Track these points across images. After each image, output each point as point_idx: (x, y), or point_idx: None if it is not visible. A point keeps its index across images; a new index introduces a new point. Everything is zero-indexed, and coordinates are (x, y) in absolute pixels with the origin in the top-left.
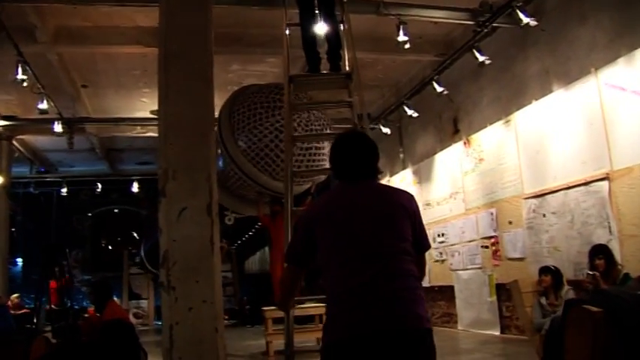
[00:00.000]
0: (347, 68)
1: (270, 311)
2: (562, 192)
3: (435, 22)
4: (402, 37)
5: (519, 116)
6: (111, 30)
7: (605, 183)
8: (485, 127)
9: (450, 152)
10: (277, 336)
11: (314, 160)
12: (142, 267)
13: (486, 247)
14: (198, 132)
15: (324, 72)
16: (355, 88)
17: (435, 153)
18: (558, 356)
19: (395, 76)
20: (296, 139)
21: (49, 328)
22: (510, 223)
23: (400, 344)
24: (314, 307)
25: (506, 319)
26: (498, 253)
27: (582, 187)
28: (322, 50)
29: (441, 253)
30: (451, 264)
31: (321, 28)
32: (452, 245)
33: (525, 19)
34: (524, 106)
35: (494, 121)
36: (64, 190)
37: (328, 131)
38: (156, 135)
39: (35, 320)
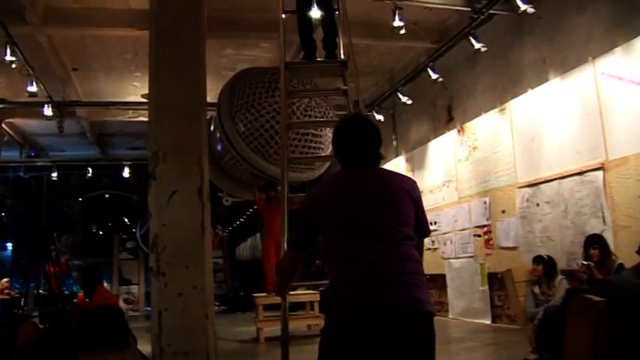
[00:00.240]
0: (342, 56)
1: (261, 298)
2: (556, 181)
3: (431, 9)
4: (397, 23)
5: (514, 105)
6: (102, 12)
7: (600, 173)
8: (480, 115)
9: (444, 140)
10: (268, 323)
11: (309, 147)
12: (135, 253)
13: (479, 235)
14: (190, 113)
15: (320, 59)
16: (351, 75)
17: (429, 141)
18: (552, 345)
19: (389, 63)
20: (292, 126)
21: (37, 313)
22: (503, 212)
23: (403, 328)
24: (305, 295)
25: (497, 308)
26: (491, 242)
27: (577, 177)
28: (318, 37)
29: (433, 242)
30: (443, 252)
31: (316, 13)
32: (444, 233)
33: (523, 6)
34: (520, 94)
35: (489, 110)
36: (55, 175)
37: (324, 118)
38: (147, 120)
39: (23, 305)
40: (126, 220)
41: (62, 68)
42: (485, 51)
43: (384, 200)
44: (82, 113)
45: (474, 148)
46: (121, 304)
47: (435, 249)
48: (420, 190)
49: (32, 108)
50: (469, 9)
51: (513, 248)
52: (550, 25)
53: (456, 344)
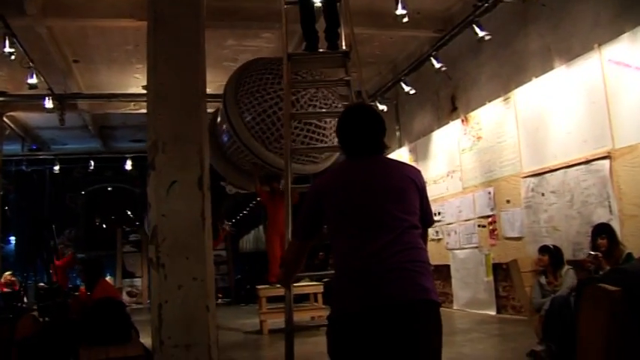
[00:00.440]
0: (344, 46)
1: (265, 290)
2: (562, 171)
3: None
4: (400, 11)
5: (519, 93)
6: (102, 2)
7: (607, 162)
8: (484, 104)
9: (448, 130)
10: (271, 315)
11: (312, 138)
12: (138, 245)
13: (483, 226)
14: (189, 102)
15: (322, 50)
16: (353, 65)
17: (432, 131)
18: (559, 336)
19: (392, 53)
20: (294, 116)
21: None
22: (508, 202)
23: (406, 316)
24: (309, 286)
25: (502, 299)
26: (495, 233)
27: (583, 166)
28: (320, 28)
29: (437, 232)
30: (447, 243)
31: (318, 1)
32: (448, 224)
33: None
34: (525, 83)
35: (493, 99)
36: (57, 168)
37: (325, 110)
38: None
39: (24, 298)
40: (129, 212)
41: (63, 60)
42: (490, 39)
43: (390, 189)
44: (84, 106)
45: (478, 138)
46: (125, 296)
47: (440, 240)
48: (424, 180)
49: (33, 101)
50: None
51: (518, 239)
52: (555, 12)
53: (461, 335)
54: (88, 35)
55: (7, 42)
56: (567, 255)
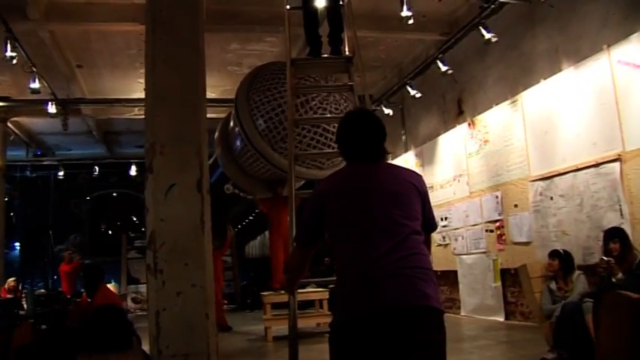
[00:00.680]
0: (347, 51)
1: (269, 296)
2: (571, 174)
3: (439, 0)
4: (405, 13)
5: (527, 96)
6: (104, 7)
7: (617, 164)
8: (491, 107)
9: (454, 134)
10: (276, 321)
11: (318, 141)
12: (143, 251)
13: (491, 231)
14: (188, 103)
15: (325, 55)
16: (357, 70)
17: (439, 135)
18: (570, 344)
19: (397, 56)
20: (298, 122)
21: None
22: (516, 206)
23: (407, 322)
24: (315, 292)
25: (510, 304)
26: (503, 237)
27: (592, 169)
28: (323, 33)
29: (444, 237)
30: (454, 248)
31: (321, 3)
32: (455, 229)
33: None
34: (532, 85)
35: (500, 102)
36: (61, 174)
37: (334, 115)
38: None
39: (24, 305)
40: (134, 218)
41: (66, 65)
42: (496, 42)
43: (392, 195)
44: (87, 111)
45: (485, 142)
46: (130, 303)
47: (447, 245)
48: (430, 185)
49: (37, 106)
50: None
51: (527, 243)
52: (562, 13)
53: (468, 342)
54: (91, 40)
55: (9, 46)
56: (577, 260)
